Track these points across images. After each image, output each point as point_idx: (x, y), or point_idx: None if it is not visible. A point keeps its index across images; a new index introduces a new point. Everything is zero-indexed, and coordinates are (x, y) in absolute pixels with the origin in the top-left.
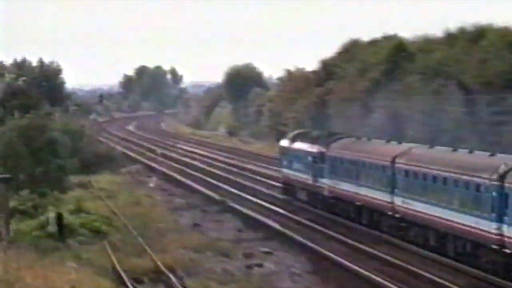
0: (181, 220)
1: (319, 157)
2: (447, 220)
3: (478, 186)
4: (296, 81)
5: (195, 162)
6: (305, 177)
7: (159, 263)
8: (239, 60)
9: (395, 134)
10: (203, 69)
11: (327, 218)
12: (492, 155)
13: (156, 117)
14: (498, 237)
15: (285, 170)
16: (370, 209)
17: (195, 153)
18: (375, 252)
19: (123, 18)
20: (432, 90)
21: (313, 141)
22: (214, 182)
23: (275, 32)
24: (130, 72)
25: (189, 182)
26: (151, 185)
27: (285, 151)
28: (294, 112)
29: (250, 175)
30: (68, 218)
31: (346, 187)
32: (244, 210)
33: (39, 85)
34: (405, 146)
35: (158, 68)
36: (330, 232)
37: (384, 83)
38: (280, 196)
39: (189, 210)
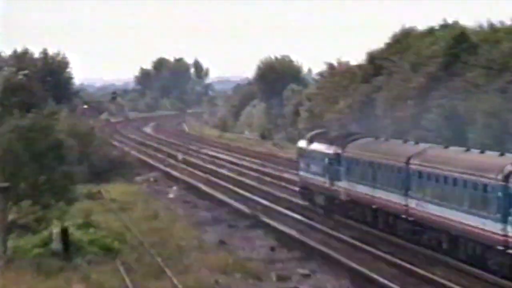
0: (205, 236)
1: (336, 159)
2: (458, 222)
3: (485, 187)
4: (339, 77)
5: (222, 170)
6: (322, 180)
7: (180, 286)
8: (274, 52)
9: (453, 137)
10: (232, 62)
11: (373, 235)
12: (501, 155)
13: (178, 118)
14: (503, 238)
15: (302, 173)
16: (386, 213)
17: (222, 159)
18: (429, 275)
19: (139, 3)
20: (498, 88)
21: (330, 142)
22: (244, 193)
23: (316, 20)
24: (148, 66)
25: (214, 193)
26: (171, 196)
27: (302, 152)
28: (336, 112)
29: (285, 185)
30: (75, 233)
31: (362, 190)
32: (278, 226)
33: (43, 80)
34: (421, 146)
35: (179, 61)
36: (377, 251)
37: (441, 79)
38: (320, 211)
39: (215, 225)
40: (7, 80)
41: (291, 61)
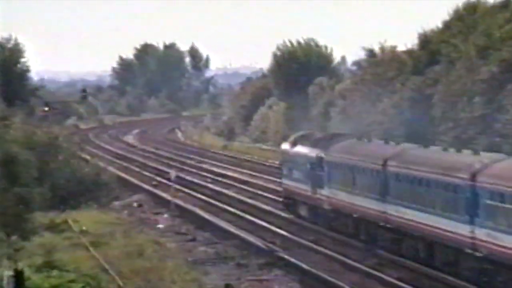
0: (206, 279)
1: (318, 163)
2: (432, 227)
3: (455, 188)
4: (383, 67)
5: (229, 191)
6: (305, 188)
7: None
8: (295, 35)
9: None
10: (240, 49)
11: (429, 275)
12: (476, 153)
13: (170, 123)
14: (471, 240)
15: (285, 181)
16: (366, 222)
17: (228, 177)
18: None
19: None
20: None
21: (313, 144)
22: (257, 221)
23: None
24: (129, 55)
25: (218, 221)
26: (160, 226)
27: (285, 157)
28: (379, 113)
29: None
30: (33, 277)
31: (344, 198)
32: (302, 264)
33: None
34: (400, 147)
35: (170, 47)
36: None
37: None
38: (359, 244)
39: (218, 264)
40: None
41: (318, 47)
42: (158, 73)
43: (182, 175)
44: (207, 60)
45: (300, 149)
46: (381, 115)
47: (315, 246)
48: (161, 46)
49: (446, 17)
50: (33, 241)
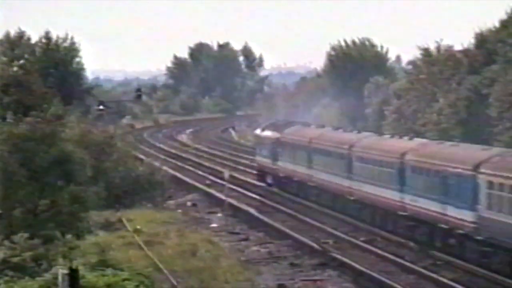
0: (260, 279)
1: (276, 142)
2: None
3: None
4: (438, 66)
5: (281, 191)
6: (269, 162)
7: None
8: (349, 35)
9: None
10: (293, 49)
11: (483, 276)
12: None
13: (224, 122)
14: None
15: (257, 158)
16: (301, 183)
17: None
18: None
19: None
20: None
21: (274, 129)
22: (311, 221)
23: None
24: (184, 54)
25: (271, 221)
26: (215, 225)
27: (257, 139)
28: (434, 113)
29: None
30: (87, 276)
31: (289, 167)
32: (357, 264)
33: (45, 72)
34: (321, 130)
35: (224, 47)
36: None
37: None
38: (412, 244)
39: (272, 263)
40: None
41: (373, 46)
42: (212, 73)
43: (235, 174)
44: (261, 59)
45: (266, 133)
46: (436, 115)
47: (369, 247)
48: (215, 46)
49: (504, 16)
50: (87, 240)
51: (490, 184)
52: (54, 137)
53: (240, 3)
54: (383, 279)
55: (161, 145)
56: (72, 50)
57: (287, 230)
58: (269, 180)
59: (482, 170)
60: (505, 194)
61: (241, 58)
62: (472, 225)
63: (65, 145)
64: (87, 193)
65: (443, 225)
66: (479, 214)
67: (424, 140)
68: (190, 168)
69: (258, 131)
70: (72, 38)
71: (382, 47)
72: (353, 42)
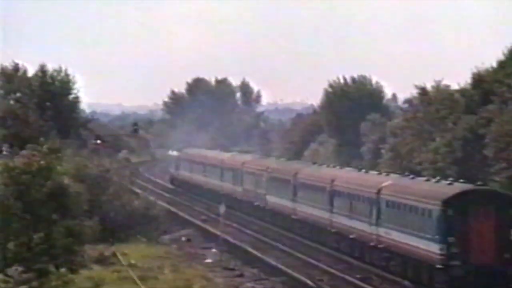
0: None
1: (178, 159)
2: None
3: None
4: (435, 105)
5: (276, 228)
6: (174, 172)
7: None
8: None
9: None
10: (291, 86)
11: None
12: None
13: None
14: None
15: (171, 170)
16: (201, 188)
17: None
18: None
19: (169, 9)
20: None
21: (178, 150)
22: (305, 258)
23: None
24: (181, 89)
25: (266, 257)
26: (209, 260)
27: (169, 158)
28: (430, 152)
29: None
30: None
31: (187, 175)
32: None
33: (41, 105)
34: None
35: (222, 82)
36: None
37: None
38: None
39: None
40: None
41: (370, 83)
42: (208, 108)
43: (230, 210)
44: (258, 95)
45: (175, 153)
46: (432, 154)
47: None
48: (212, 81)
49: (501, 56)
50: (82, 274)
51: None
52: (50, 170)
53: (238, 39)
54: None
55: (157, 180)
56: (67, 83)
57: (283, 267)
58: (175, 183)
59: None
60: None
61: (238, 94)
62: None
63: (60, 178)
64: (82, 226)
65: None
66: None
67: (398, 176)
68: (184, 202)
69: (170, 152)
70: (66, 70)
71: (378, 83)
72: (353, 78)
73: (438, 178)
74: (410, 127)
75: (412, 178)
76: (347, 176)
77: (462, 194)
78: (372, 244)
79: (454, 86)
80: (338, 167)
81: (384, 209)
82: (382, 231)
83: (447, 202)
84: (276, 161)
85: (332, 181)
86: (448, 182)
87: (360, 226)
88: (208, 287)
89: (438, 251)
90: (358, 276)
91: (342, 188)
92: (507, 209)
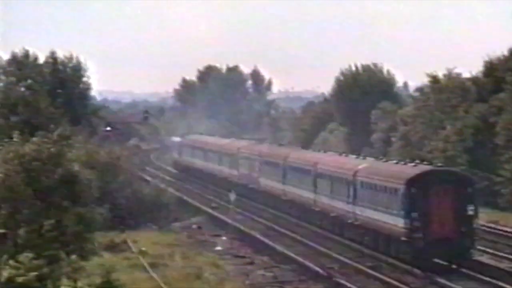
0: None
1: (180, 144)
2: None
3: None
4: (446, 93)
5: (288, 216)
6: (178, 157)
7: None
8: (357, 59)
9: None
10: (302, 74)
11: None
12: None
13: None
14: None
15: (175, 155)
16: (205, 173)
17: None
18: None
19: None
20: None
21: (180, 136)
22: (315, 246)
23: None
24: (192, 76)
25: (277, 245)
26: (219, 248)
27: (173, 144)
28: (441, 140)
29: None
30: None
31: (188, 159)
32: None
33: (51, 92)
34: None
35: (233, 70)
36: None
37: None
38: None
39: None
40: (4, 93)
41: (381, 71)
42: (219, 95)
43: (240, 197)
44: (269, 83)
45: (177, 139)
46: (443, 142)
47: (374, 273)
48: (224, 69)
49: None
50: (92, 261)
51: None
52: (61, 157)
53: (250, 27)
54: None
55: (168, 167)
56: (78, 70)
57: (293, 254)
58: (178, 168)
59: None
60: None
61: (249, 82)
62: None
63: (71, 165)
64: (92, 214)
65: None
66: None
67: (372, 160)
68: (195, 190)
69: (173, 138)
70: (77, 57)
71: (389, 72)
72: (363, 66)
73: (407, 160)
74: (421, 115)
75: (385, 161)
76: (328, 160)
77: (424, 174)
78: (349, 221)
79: (466, 75)
80: (322, 151)
81: (360, 190)
82: (358, 209)
83: (411, 181)
84: (269, 147)
85: (316, 164)
86: (413, 164)
87: (339, 205)
88: (218, 274)
89: (403, 225)
90: (372, 263)
91: (324, 171)
92: (465, 187)
